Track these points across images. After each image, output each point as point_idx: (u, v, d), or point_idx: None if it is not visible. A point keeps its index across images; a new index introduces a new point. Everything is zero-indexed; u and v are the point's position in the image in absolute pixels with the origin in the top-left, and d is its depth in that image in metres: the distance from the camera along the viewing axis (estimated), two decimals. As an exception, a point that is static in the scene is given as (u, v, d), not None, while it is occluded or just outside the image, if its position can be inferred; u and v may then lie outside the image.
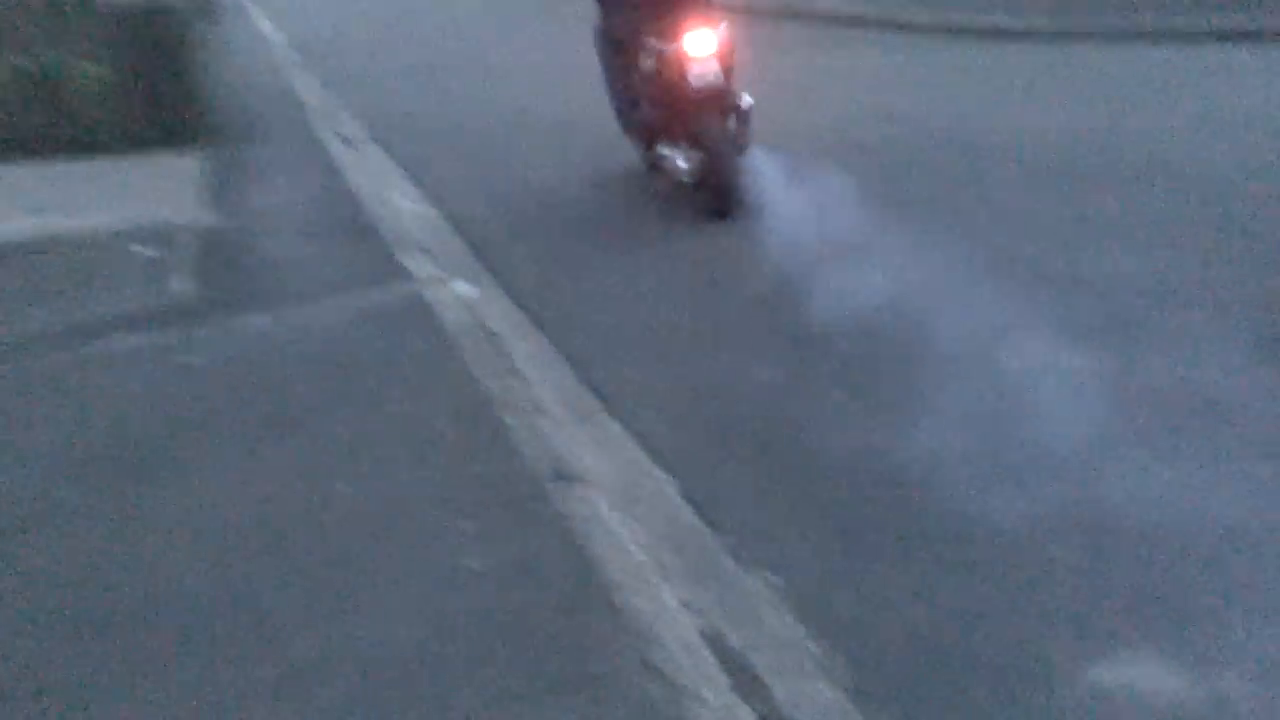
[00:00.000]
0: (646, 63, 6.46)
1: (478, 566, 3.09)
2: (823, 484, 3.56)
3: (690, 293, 5.47)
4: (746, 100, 6.37)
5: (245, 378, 4.61)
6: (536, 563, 3.09)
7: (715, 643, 2.77)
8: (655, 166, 6.95)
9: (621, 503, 3.45)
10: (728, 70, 6.27)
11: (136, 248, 6.42)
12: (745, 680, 2.63)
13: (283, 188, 8.37)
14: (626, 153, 7.83)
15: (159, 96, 10.16)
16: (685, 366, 4.60)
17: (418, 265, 6.04)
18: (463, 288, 5.89)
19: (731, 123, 6.32)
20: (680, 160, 6.37)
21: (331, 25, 23.72)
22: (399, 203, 7.82)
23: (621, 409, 4.23)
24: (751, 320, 5.02)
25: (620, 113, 7.36)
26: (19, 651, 2.90)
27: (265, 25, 26.05)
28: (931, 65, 10.90)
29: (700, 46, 6.06)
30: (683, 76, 6.09)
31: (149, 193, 8.28)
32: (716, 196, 6.23)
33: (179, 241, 6.64)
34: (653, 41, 6.34)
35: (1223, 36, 11.28)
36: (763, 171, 6.48)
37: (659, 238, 6.25)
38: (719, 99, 6.19)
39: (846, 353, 4.52)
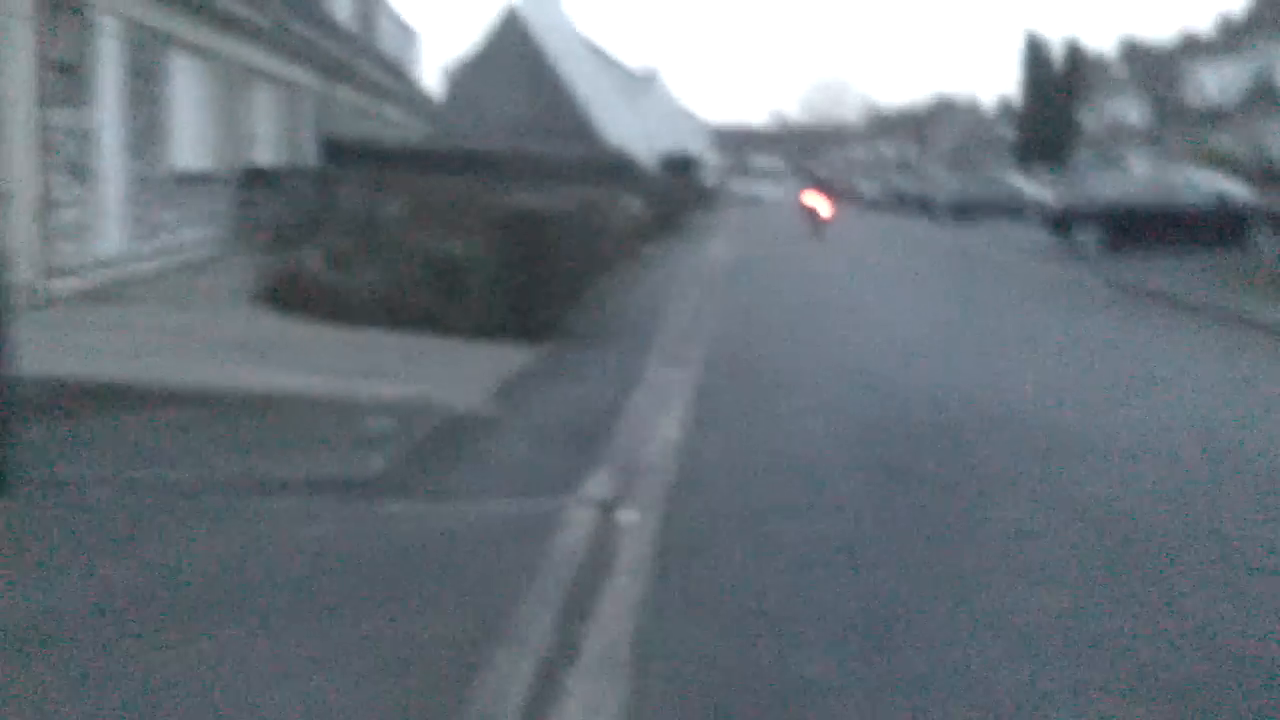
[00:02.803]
0: (804, 202, 33.71)
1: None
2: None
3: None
4: (829, 215, 31.65)
5: (348, 559, 4.61)
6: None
7: None
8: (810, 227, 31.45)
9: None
10: (829, 213, 31.77)
11: (373, 420, 6.79)
12: None
13: (576, 392, 8.58)
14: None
15: (528, 293, 10.94)
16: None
17: (602, 487, 5.86)
18: (626, 516, 5.65)
19: (822, 220, 31.25)
20: (810, 227, 30.99)
21: (790, 256, 24.58)
22: (663, 428, 7.73)
23: (641, 679, 3.77)
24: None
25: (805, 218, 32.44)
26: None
27: (718, 246, 27.67)
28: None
29: (815, 200, 31.94)
30: (806, 205, 32.71)
31: (453, 374, 8.81)
32: (818, 237, 29.65)
33: (421, 422, 6.94)
34: (807, 198, 33.39)
35: None
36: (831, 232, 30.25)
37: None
38: (818, 215, 31.32)
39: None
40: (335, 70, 23.03)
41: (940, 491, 6.15)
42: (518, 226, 10.94)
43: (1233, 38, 50.85)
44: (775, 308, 15.23)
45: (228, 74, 16.32)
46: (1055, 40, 53.70)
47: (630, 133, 54.73)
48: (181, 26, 14.12)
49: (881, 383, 9.46)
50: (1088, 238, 21.66)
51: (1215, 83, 48.58)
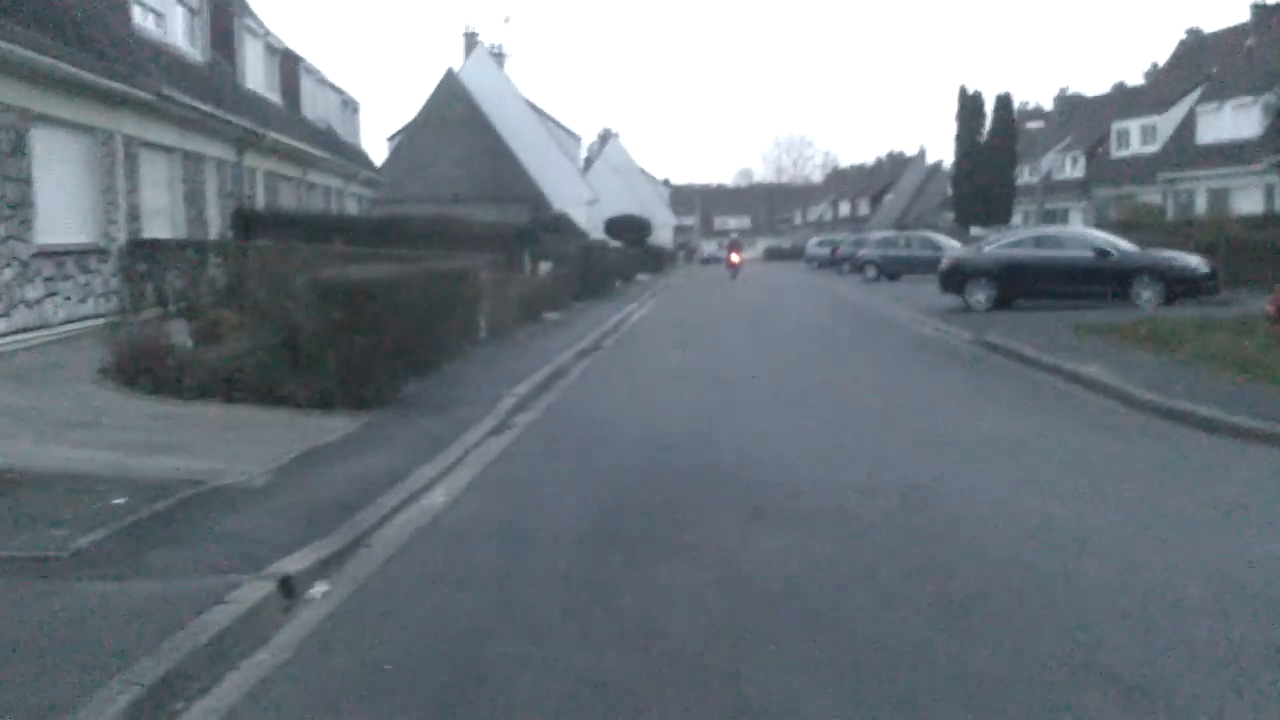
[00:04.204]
0: (729, 258, 53.04)
1: None
2: None
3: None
4: (738, 261, 51.34)
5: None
6: None
7: None
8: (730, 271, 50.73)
9: None
10: (740, 262, 51.56)
11: (116, 498, 6.86)
12: None
13: (370, 463, 8.57)
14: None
15: (359, 364, 11.04)
16: None
17: (303, 561, 5.89)
18: (319, 588, 5.75)
19: (737, 269, 50.31)
20: (728, 273, 50.24)
21: (697, 322, 24.79)
22: (432, 497, 7.83)
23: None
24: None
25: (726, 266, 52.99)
26: None
27: (636, 310, 27.84)
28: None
29: (734, 256, 51.93)
30: (730, 258, 51.99)
31: (256, 447, 8.85)
32: (733, 278, 48.12)
33: (169, 496, 7.00)
34: (729, 253, 53.34)
35: None
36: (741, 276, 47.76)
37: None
38: (736, 266, 50.44)
39: None
40: (246, 140, 23.20)
41: (630, 559, 6.29)
42: (342, 297, 11.05)
43: (1157, 89, 51.96)
44: (639, 372, 15.40)
45: (107, 147, 16.43)
46: (990, 95, 54.48)
47: (574, 195, 55.23)
48: (43, 102, 14.21)
49: (680, 448, 9.64)
50: (978, 295, 22.05)
51: (1139, 135, 49.54)
